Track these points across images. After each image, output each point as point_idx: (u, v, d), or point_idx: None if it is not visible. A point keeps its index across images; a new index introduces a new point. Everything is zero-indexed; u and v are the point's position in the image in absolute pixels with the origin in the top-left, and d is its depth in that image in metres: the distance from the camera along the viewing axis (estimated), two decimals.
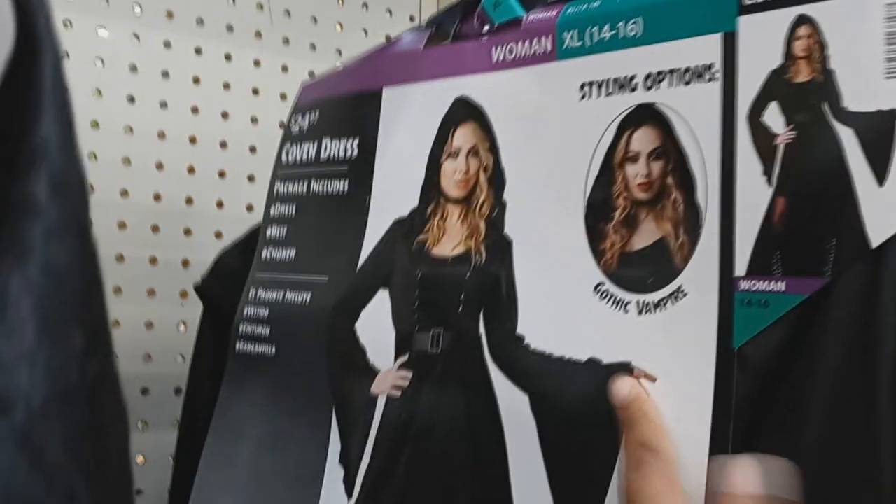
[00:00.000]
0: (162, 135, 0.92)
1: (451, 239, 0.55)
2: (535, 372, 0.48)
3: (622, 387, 0.44)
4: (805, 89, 0.43)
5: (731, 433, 0.42)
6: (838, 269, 0.41)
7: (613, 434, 0.44)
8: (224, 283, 0.68)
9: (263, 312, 0.64)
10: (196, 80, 0.95)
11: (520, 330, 0.50)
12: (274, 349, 0.62)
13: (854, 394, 0.41)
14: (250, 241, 0.69)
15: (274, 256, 0.65)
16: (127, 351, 0.88)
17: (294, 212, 0.66)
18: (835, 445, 0.41)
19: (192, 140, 0.94)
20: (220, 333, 0.68)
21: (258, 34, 0.98)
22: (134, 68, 0.91)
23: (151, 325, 0.89)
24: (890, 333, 0.40)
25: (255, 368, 0.63)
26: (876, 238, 0.40)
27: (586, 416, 0.46)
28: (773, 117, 0.44)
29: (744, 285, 0.43)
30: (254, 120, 0.98)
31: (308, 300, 0.61)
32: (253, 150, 0.98)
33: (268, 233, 0.67)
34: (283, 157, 0.68)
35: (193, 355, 0.70)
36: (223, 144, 0.96)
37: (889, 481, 0.39)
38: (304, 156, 0.67)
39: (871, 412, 0.40)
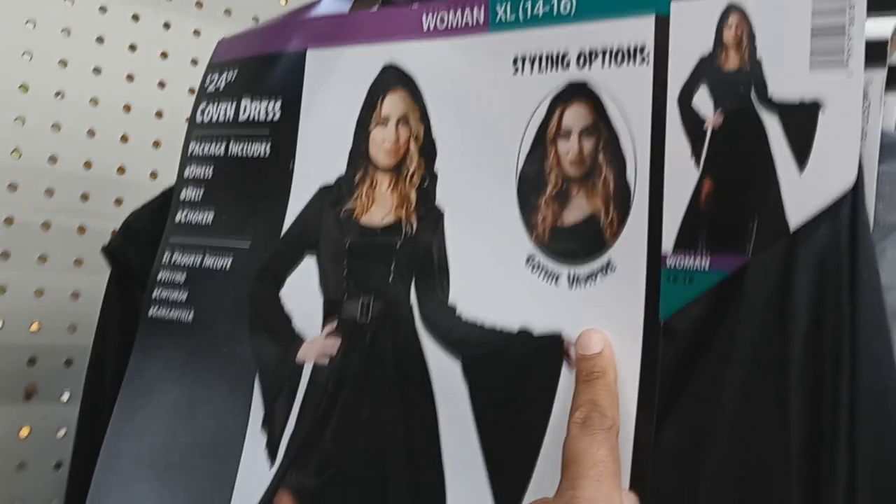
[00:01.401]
0: (60, 94, 0.87)
1: (380, 208, 0.55)
2: (467, 340, 0.49)
3: (592, 340, 0.44)
4: (734, 76, 0.45)
5: (656, 403, 0.44)
6: (759, 248, 0.44)
7: (545, 402, 0.46)
8: (134, 246, 0.66)
9: (180, 277, 0.62)
10: (100, 40, 0.90)
11: (452, 299, 0.51)
12: (191, 315, 0.61)
13: (768, 367, 0.44)
14: (162, 204, 0.66)
15: (190, 219, 0.63)
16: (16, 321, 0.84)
17: (211, 174, 0.64)
18: (748, 418, 0.44)
19: (95, 102, 0.89)
20: (128, 299, 0.66)
21: None
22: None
23: (42, 292, 0.86)
24: (802, 312, 0.43)
25: (170, 335, 0.61)
26: (794, 221, 0.43)
27: (518, 383, 0.47)
28: (703, 101, 0.46)
29: (670, 262, 0.46)
30: (161, 84, 0.94)
31: (228, 266, 0.60)
32: (160, 114, 0.94)
33: (182, 195, 0.65)
34: (199, 117, 0.66)
35: (99, 321, 0.67)
36: (127, 108, 0.92)
37: (797, 451, 0.42)
38: (222, 116, 0.65)
39: (783, 385, 0.43)
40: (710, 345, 0.45)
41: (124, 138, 0.91)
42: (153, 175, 0.93)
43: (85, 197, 0.89)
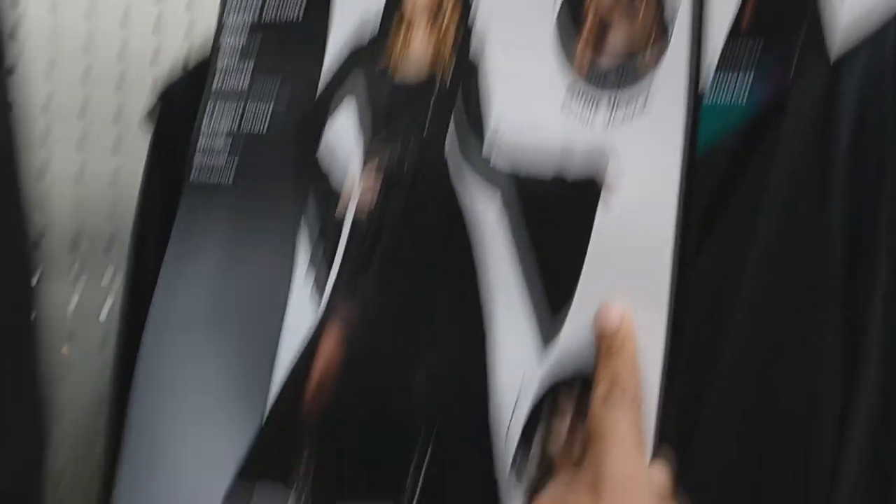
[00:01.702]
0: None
1: (415, 63, 0.55)
2: (501, 187, 0.50)
3: (610, 316, 0.45)
4: None
5: (694, 231, 0.45)
6: (800, 73, 0.43)
7: (582, 239, 0.47)
8: (172, 113, 0.67)
9: (219, 142, 0.63)
10: None
11: (486, 149, 0.51)
12: (232, 178, 0.62)
13: (808, 190, 0.44)
14: (197, 74, 0.67)
15: (226, 86, 0.64)
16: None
17: (245, 40, 0.64)
18: (787, 237, 0.44)
19: None
20: (168, 167, 0.67)
21: None
22: None
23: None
24: (845, 137, 0.43)
25: (213, 198, 0.62)
26: (837, 46, 0.43)
27: (555, 225, 0.48)
28: None
29: (709, 93, 0.46)
30: None
31: (266, 128, 0.61)
32: None
33: (218, 63, 0.65)
34: None
35: (142, 191, 0.69)
36: None
37: (835, 271, 0.43)
38: None
39: (824, 205, 0.43)
40: (748, 173, 0.45)
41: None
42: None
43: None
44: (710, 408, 0.47)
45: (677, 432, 0.45)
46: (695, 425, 0.47)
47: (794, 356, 0.44)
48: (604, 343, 0.45)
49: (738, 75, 0.45)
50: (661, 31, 0.46)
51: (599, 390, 0.43)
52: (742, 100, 0.45)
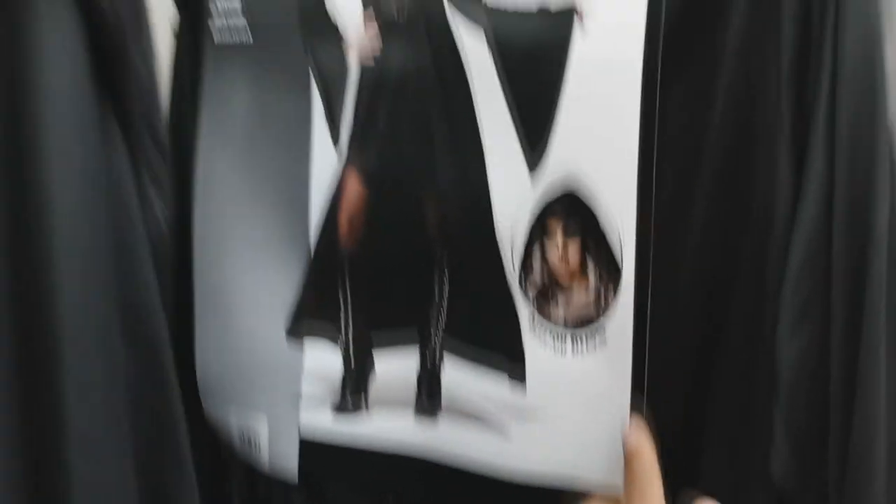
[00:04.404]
0: None
1: None
2: (492, 21, 0.55)
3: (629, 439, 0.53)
4: None
5: (659, 52, 0.50)
6: None
7: (561, 63, 0.52)
8: None
9: (236, 3, 0.68)
10: None
11: None
12: (251, 36, 0.67)
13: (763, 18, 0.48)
14: None
15: None
16: None
17: None
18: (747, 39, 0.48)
19: None
20: (197, 33, 0.72)
21: None
22: None
23: None
24: None
25: (236, 56, 0.68)
26: None
27: (539, 50, 0.54)
28: None
29: None
30: None
31: None
32: None
33: None
34: None
35: (174, 58, 0.75)
36: None
37: (787, 71, 0.47)
38: None
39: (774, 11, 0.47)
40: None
41: None
42: None
43: None
44: (685, 214, 0.52)
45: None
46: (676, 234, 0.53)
47: (755, 165, 0.50)
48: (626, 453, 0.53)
49: None
50: None
51: (629, 489, 0.53)
52: None
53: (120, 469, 0.46)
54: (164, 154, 0.49)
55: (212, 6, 0.69)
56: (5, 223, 0.37)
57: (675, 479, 0.53)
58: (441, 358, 0.62)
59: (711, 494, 0.51)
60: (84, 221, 0.40)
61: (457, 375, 0.62)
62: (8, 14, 0.38)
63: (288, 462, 0.67)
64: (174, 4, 0.74)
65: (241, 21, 0.68)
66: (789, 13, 0.46)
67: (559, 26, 0.52)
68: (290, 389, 0.68)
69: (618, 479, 0.54)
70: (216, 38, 0.69)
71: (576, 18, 0.51)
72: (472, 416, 0.61)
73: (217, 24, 0.69)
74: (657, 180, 0.51)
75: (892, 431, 0.47)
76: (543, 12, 0.53)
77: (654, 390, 0.52)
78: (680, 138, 0.51)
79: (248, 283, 0.70)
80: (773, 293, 0.49)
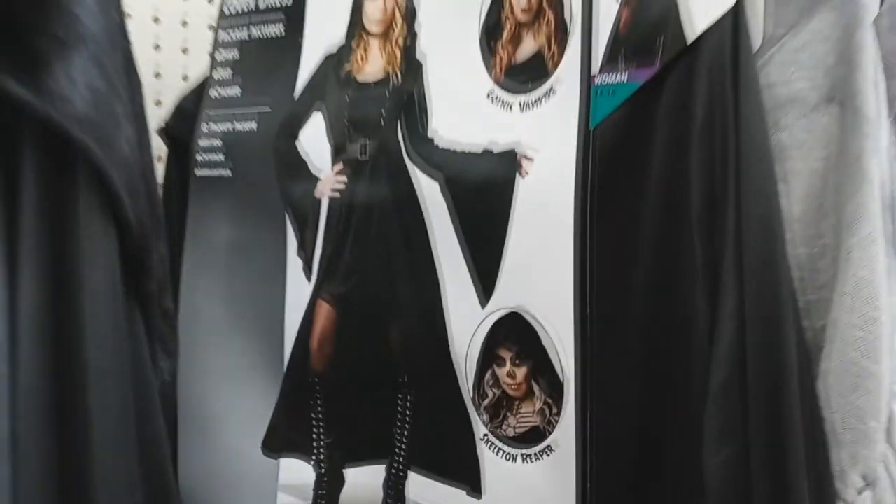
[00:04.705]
0: None
1: (373, 66, 0.66)
2: (443, 162, 0.61)
3: None
4: None
5: (590, 193, 0.55)
6: (664, 60, 0.53)
7: (507, 202, 0.58)
8: (184, 123, 0.78)
9: (217, 141, 0.75)
10: None
11: (430, 133, 0.62)
12: (230, 171, 0.74)
13: (679, 155, 0.54)
14: (203, 88, 0.79)
15: (221, 94, 0.75)
16: None
17: (237, 55, 0.76)
18: (664, 183, 0.54)
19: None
20: (183, 167, 0.79)
21: None
22: None
23: None
24: (700, 109, 0.53)
25: (216, 188, 0.74)
26: (690, 35, 0.53)
27: (486, 191, 0.59)
28: None
29: (598, 80, 0.56)
30: None
31: (255, 127, 0.72)
32: (184, 23, 1.04)
33: (215, 76, 0.77)
34: (225, 10, 0.77)
35: (164, 189, 0.81)
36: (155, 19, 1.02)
37: (697, 208, 0.53)
38: (244, 7, 0.76)
39: (685, 163, 0.53)
40: (636, 146, 0.55)
41: (157, 47, 1.03)
42: (184, 78, 1.04)
43: None
44: (618, 338, 0.57)
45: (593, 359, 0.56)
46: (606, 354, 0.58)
47: (677, 298, 0.55)
48: None
49: (618, 63, 0.55)
50: (561, 34, 0.57)
51: None
52: (623, 81, 0.55)
53: None
54: (172, 325, 0.60)
55: (196, 143, 0.76)
56: (57, 382, 0.49)
57: None
58: (405, 473, 0.66)
59: None
60: (114, 378, 0.52)
61: (420, 489, 0.65)
62: (60, 224, 0.50)
63: None
64: (164, 142, 0.81)
65: (222, 156, 0.74)
66: (697, 168, 0.52)
67: (503, 168, 0.58)
68: (266, 503, 0.71)
69: None
70: (198, 170, 0.76)
71: (517, 162, 0.57)
72: None
73: (200, 158, 0.76)
74: (596, 308, 0.56)
75: None
76: (488, 154, 0.59)
77: (598, 498, 0.56)
78: (612, 270, 0.56)
79: (228, 405, 0.74)
80: (698, 412, 0.53)
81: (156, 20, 1.00)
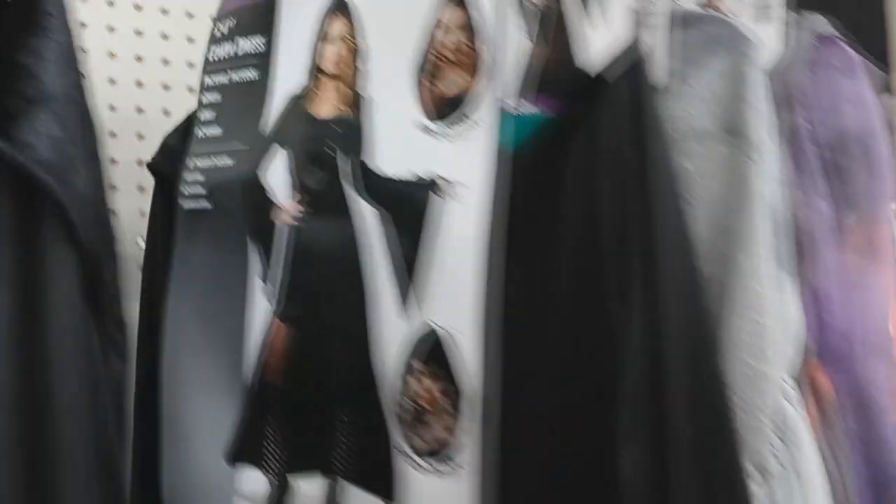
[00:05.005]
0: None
1: (327, 105, 0.73)
2: (379, 190, 0.68)
3: None
4: None
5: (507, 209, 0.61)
6: (569, 94, 0.59)
7: (432, 224, 0.64)
8: (168, 158, 0.86)
9: (200, 177, 0.82)
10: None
11: (371, 164, 0.69)
12: (210, 204, 0.81)
13: (590, 182, 0.59)
14: (187, 126, 0.86)
15: (206, 134, 0.83)
16: None
17: (219, 98, 0.83)
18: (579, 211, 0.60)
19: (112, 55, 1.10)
20: (167, 199, 0.86)
21: None
22: None
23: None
24: (607, 139, 0.58)
25: (197, 219, 0.81)
26: (594, 71, 0.58)
27: (413, 214, 0.65)
28: None
29: (513, 111, 0.62)
30: (165, 36, 1.13)
31: (231, 164, 0.79)
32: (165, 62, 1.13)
33: (200, 117, 0.84)
34: (210, 57, 0.85)
35: (150, 219, 0.88)
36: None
37: (607, 229, 0.58)
38: (225, 54, 0.84)
39: (596, 187, 0.58)
40: (550, 169, 0.61)
41: (139, 84, 1.12)
42: (166, 113, 1.13)
43: (112, 134, 1.08)
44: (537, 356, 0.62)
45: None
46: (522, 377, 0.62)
47: (591, 324, 0.59)
48: None
49: (531, 96, 0.61)
50: (481, 70, 0.63)
51: None
52: (535, 111, 0.61)
53: None
54: (123, 332, 0.69)
55: (183, 178, 0.83)
56: (20, 381, 0.58)
57: None
58: (340, 485, 0.71)
59: None
60: (74, 377, 0.61)
61: (352, 498, 0.70)
62: (30, 248, 0.60)
63: None
64: (153, 177, 0.89)
65: (204, 190, 0.82)
66: (608, 194, 0.58)
67: (429, 195, 0.64)
68: None
69: None
70: (184, 204, 0.83)
71: (438, 189, 0.63)
72: None
73: (185, 192, 0.83)
74: (511, 324, 0.61)
75: None
76: (419, 182, 0.65)
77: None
78: (529, 291, 0.62)
79: (201, 416, 0.81)
80: (610, 412, 0.57)
81: (138, 59, 1.10)
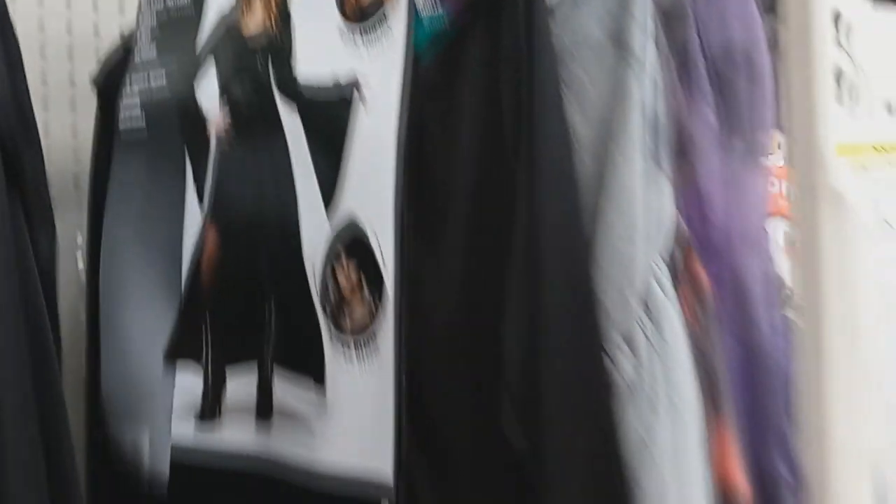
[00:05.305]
0: None
1: (254, 21, 0.78)
2: (301, 94, 0.73)
3: None
4: None
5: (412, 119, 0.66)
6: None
7: (349, 126, 0.69)
8: (109, 79, 0.90)
9: (137, 99, 0.86)
10: None
11: (295, 72, 0.74)
12: (147, 124, 0.85)
13: (489, 86, 0.65)
14: (126, 46, 0.91)
15: (142, 58, 0.87)
16: None
17: (155, 23, 0.87)
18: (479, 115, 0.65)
19: None
20: (109, 118, 0.90)
21: None
22: None
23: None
24: (498, 41, 0.64)
25: (134, 138, 0.86)
26: None
27: (332, 117, 0.71)
28: None
29: (422, 13, 0.67)
30: None
31: (164, 84, 0.84)
32: None
33: (137, 42, 0.88)
34: None
35: (93, 140, 0.93)
36: None
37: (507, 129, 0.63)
38: None
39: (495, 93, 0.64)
40: (450, 73, 0.66)
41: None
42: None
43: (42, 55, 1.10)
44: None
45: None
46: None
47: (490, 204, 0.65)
48: None
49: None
50: None
51: None
52: (439, 12, 0.66)
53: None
54: (48, 210, 0.76)
55: (120, 101, 0.88)
56: None
57: (438, 452, 0.66)
58: (272, 371, 0.76)
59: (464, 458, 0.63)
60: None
61: (283, 385, 0.76)
62: None
63: (162, 465, 0.81)
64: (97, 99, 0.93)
65: (139, 112, 0.86)
66: (507, 103, 0.63)
67: (346, 97, 0.69)
68: (165, 405, 0.82)
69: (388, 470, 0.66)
70: (121, 125, 0.87)
71: (356, 92, 0.68)
72: (292, 416, 0.75)
73: (123, 114, 0.88)
74: (422, 214, 0.67)
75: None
76: (337, 85, 0.70)
77: (418, 381, 0.66)
78: (433, 188, 0.67)
79: (142, 319, 0.86)
80: (498, 288, 0.63)
81: None
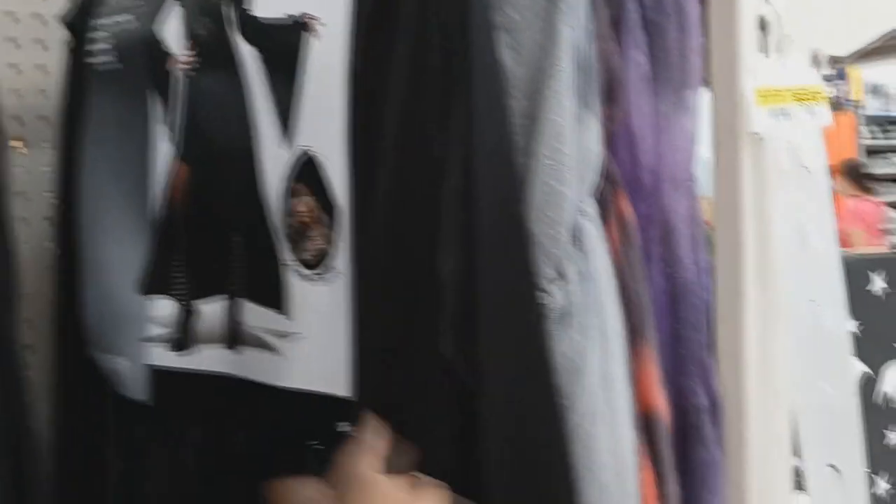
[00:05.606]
0: None
1: None
2: (259, 32, 0.77)
3: None
4: None
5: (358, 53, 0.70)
6: None
7: (301, 58, 0.73)
8: (79, 15, 0.94)
9: (106, 34, 0.90)
10: None
11: (253, 10, 0.77)
12: (116, 60, 0.89)
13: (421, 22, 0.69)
14: None
15: None
16: None
17: None
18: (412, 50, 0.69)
19: None
20: (80, 56, 0.94)
21: None
22: None
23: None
24: None
25: (106, 76, 0.89)
26: None
27: (288, 50, 0.74)
28: None
29: None
30: None
31: (132, 19, 0.87)
32: None
33: None
34: None
35: (65, 75, 0.96)
36: None
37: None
38: None
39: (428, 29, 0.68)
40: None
41: None
42: None
43: None
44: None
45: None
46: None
47: (422, 143, 0.69)
48: None
49: None
50: None
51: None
52: None
53: None
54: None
55: (90, 37, 0.91)
56: None
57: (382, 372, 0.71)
58: (239, 303, 0.81)
59: (407, 375, 0.68)
60: None
61: (249, 314, 0.80)
62: None
63: (141, 390, 0.86)
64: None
65: (108, 46, 0.89)
66: (438, 42, 0.66)
67: (299, 32, 0.73)
68: (141, 334, 0.87)
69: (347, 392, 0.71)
70: (92, 60, 0.91)
71: (309, 27, 0.72)
72: (260, 343, 0.79)
73: (93, 49, 0.91)
74: (366, 146, 0.71)
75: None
76: (292, 22, 0.74)
77: (371, 306, 0.71)
78: (375, 117, 0.71)
79: (115, 253, 0.90)
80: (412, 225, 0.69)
81: None
